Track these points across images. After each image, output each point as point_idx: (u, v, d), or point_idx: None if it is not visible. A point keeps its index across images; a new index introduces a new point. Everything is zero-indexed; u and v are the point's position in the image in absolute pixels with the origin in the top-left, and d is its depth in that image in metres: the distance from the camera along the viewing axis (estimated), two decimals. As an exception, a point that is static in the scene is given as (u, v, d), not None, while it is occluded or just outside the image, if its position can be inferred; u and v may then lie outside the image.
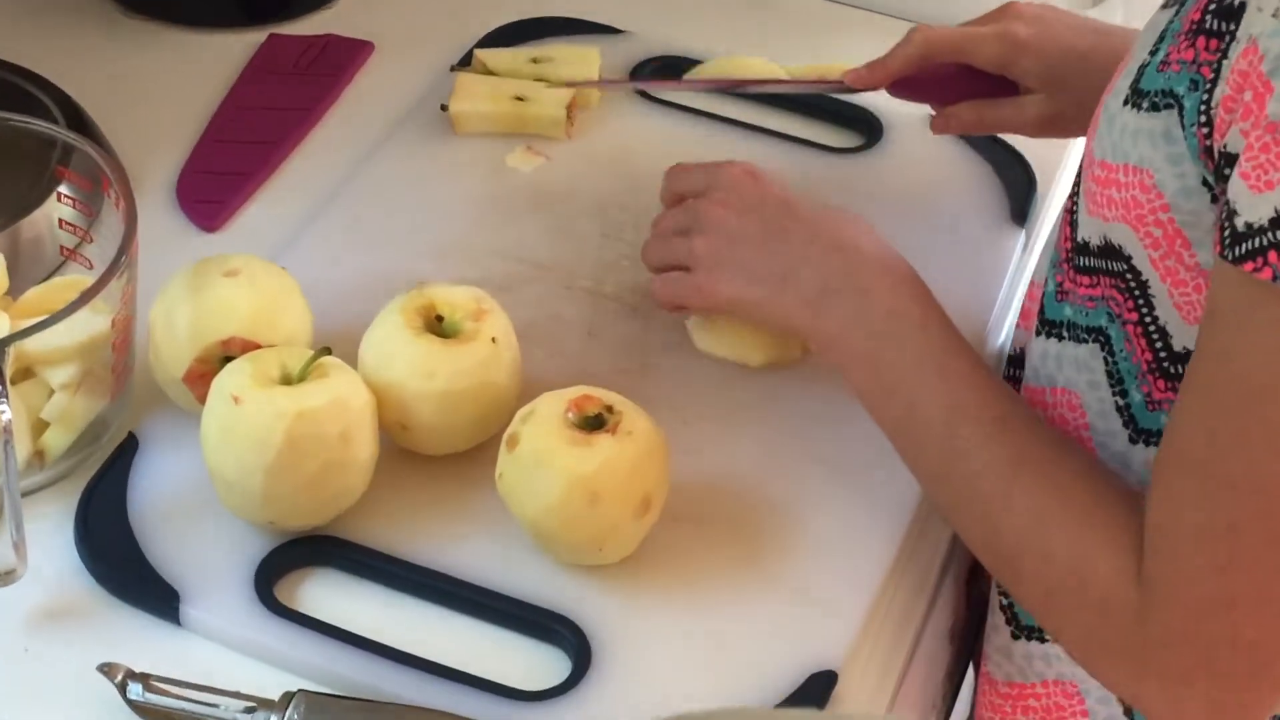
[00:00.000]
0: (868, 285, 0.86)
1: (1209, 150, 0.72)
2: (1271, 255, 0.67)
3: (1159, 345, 0.80)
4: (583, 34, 1.18)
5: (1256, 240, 0.68)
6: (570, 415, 0.82)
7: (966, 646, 1.00)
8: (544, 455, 0.81)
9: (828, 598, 0.84)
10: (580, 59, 1.13)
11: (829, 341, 0.87)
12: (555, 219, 1.04)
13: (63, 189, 0.94)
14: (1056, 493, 0.79)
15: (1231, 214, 0.69)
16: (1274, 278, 0.67)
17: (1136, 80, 0.78)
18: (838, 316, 0.86)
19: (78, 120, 1.04)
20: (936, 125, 1.03)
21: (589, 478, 0.80)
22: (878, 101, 1.14)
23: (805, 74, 1.11)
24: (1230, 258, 0.69)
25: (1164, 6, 0.82)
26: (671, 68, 1.17)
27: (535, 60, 1.13)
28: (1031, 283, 0.95)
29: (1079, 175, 0.84)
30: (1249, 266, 0.68)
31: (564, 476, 0.80)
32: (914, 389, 0.83)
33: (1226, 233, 0.69)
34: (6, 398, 0.76)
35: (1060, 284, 0.86)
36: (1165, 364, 0.80)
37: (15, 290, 0.90)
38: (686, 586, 0.84)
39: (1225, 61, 0.71)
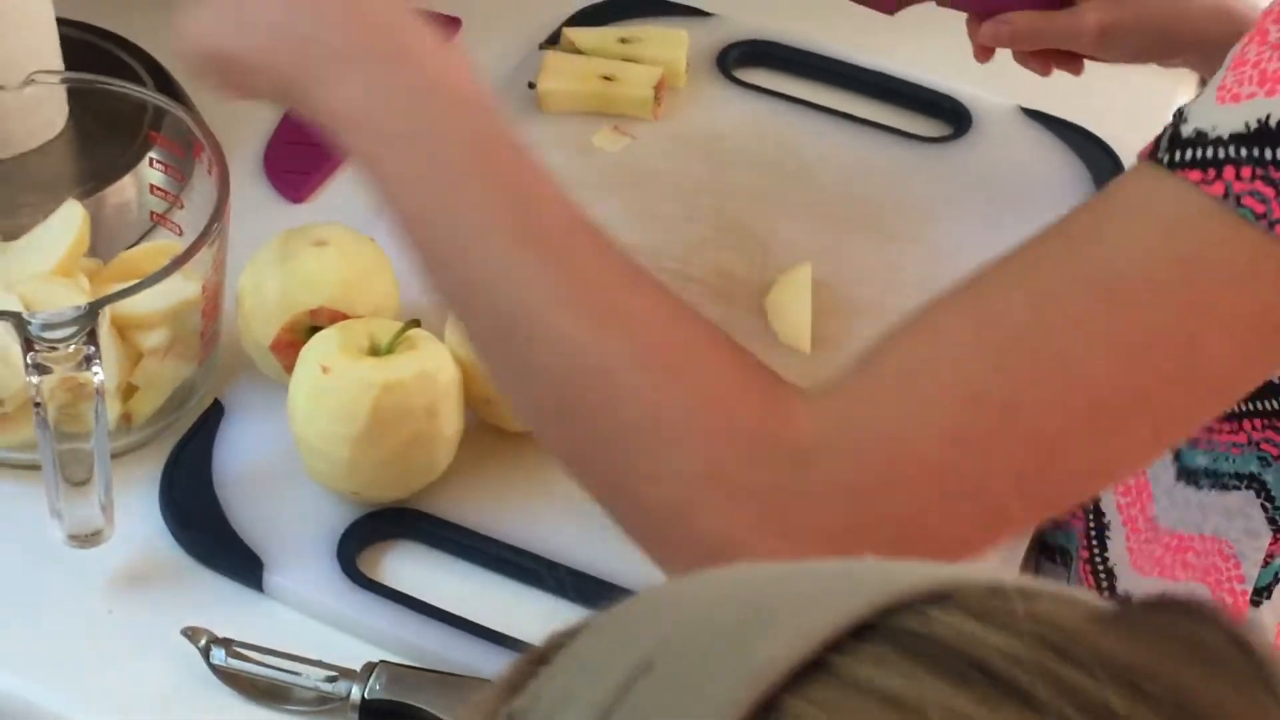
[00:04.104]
0: (405, 46, 0.66)
1: None
2: (1228, 171, 0.60)
3: None
4: (671, 15, 1.18)
5: (1210, 151, 0.60)
6: (658, 395, 0.82)
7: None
8: (631, 434, 0.80)
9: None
10: (669, 40, 1.12)
11: (347, 120, 0.66)
12: (641, 200, 1.04)
13: (154, 154, 0.95)
14: (675, 310, 0.65)
15: (1178, 123, 0.62)
16: (1225, 195, 0.59)
17: None
18: (358, 85, 0.65)
19: (168, 88, 1.04)
20: (986, 33, 0.96)
21: (677, 458, 0.79)
22: (967, 91, 1.14)
23: None
24: (1167, 161, 0.61)
25: None
26: (759, 52, 1.16)
27: (624, 40, 1.12)
28: None
29: None
30: (1194, 175, 0.60)
31: (651, 456, 0.80)
32: (466, 179, 0.64)
33: (1166, 137, 0.62)
34: (100, 359, 0.76)
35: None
36: None
37: (105, 254, 0.91)
38: (769, 571, 0.84)
39: None
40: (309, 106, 0.67)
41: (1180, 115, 0.62)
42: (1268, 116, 0.59)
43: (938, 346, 0.64)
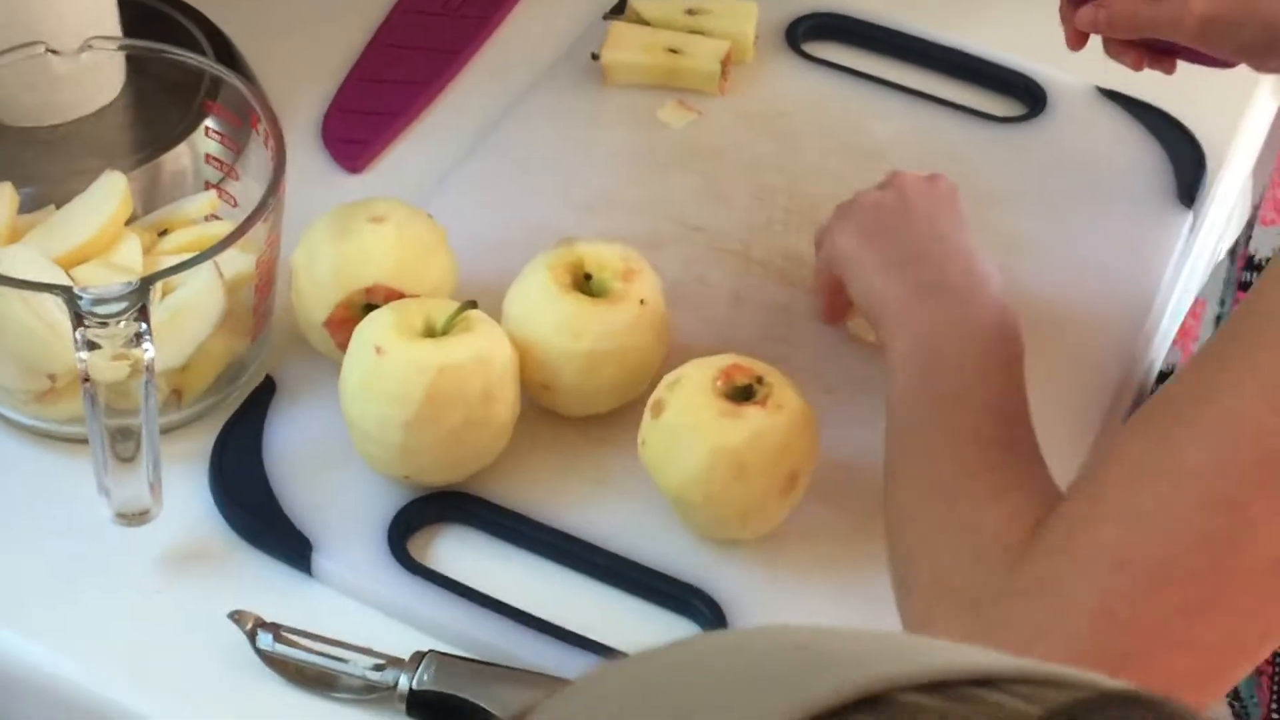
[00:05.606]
0: (969, 297, 0.80)
1: None
2: None
3: None
4: (739, -14, 1.15)
5: None
6: (719, 384, 0.79)
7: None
8: (691, 424, 0.78)
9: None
10: (737, 12, 1.09)
11: (892, 316, 0.81)
12: (705, 178, 1.01)
13: (210, 123, 0.93)
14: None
15: None
16: None
17: None
18: (929, 311, 0.79)
19: (226, 53, 1.03)
20: (1084, 18, 0.93)
21: (737, 450, 0.77)
22: (1042, 69, 1.10)
23: None
24: None
25: None
26: (829, 26, 1.13)
27: (691, 11, 1.09)
28: (1197, 300, 0.87)
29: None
30: None
31: (711, 447, 0.78)
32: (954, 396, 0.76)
33: None
34: (150, 336, 0.75)
35: None
36: None
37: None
38: (827, 567, 0.82)
39: None
40: (866, 291, 0.84)
41: None
42: None
43: (1142, 437, 0.66)
